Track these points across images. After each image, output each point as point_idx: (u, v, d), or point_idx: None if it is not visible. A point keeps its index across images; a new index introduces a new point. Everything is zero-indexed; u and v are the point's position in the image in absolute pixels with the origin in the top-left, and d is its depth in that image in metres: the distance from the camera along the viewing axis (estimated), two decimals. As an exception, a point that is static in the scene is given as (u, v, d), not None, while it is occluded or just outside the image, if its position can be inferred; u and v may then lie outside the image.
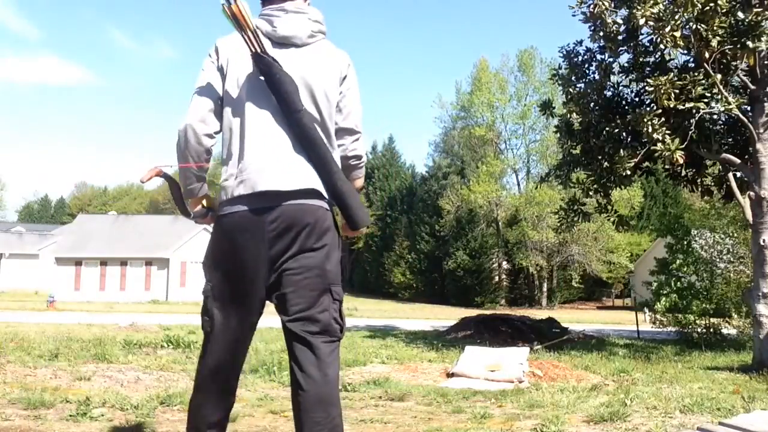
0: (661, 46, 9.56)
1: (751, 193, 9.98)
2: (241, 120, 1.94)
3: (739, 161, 10.40)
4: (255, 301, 1.96)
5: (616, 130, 10.86)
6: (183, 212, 2.21)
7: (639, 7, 9.18)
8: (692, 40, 9.35)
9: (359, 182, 2.21)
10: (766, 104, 9.94)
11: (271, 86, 1.90)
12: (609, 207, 12.33)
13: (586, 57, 11.44)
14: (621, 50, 10.73)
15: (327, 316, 1.94)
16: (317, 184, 1.93)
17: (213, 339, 1.99)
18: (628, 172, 10.59)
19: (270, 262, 1.90)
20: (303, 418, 1.87)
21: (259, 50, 1.89)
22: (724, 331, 14.34)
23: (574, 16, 10.42)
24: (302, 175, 1.91)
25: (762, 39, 9.01)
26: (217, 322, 1.97)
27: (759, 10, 8.96)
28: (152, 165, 2.13)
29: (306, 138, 1.92)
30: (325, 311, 1.94)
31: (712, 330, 14.19)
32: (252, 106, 1.93)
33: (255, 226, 1.88)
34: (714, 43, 9.17)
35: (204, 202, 2.14)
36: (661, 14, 9.16)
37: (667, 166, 10.82)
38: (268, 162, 1.89)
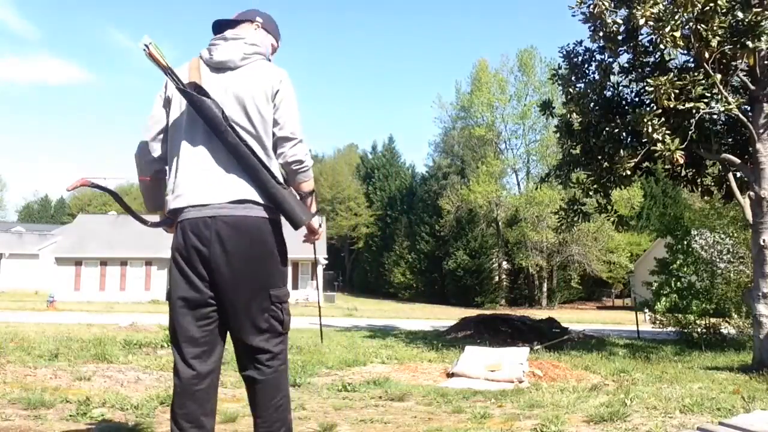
0: (661, 46, 9.56)
1: (751, 193, 9.98)
2: (179, 143, 2.22)
3: (739, 161, 10.40)
4: (201, 303, 2.18)
5: (616, 130, 10.85)
6: (137, 219, 2.47)
7: (639, 7, 9.18)
8: (692, 40, 9.35)
9: (305, 185, 2.30)
10: (766, 104, 9.93)
11: (197, 113, 2.15)
12: (609, 207, 12.33)
13: (585, 57, 11.44)
14: (621, 50, 10.73)
15: (269, 319, 2.20)
16: (250, 194, 2.15)
17: (175, 341, 2.24)
18: (628, 172, 10.59)
19: (209, 270, 2.14)
20: (260, 402, 2.23)
21: (180, 86, 2.17)
22: (724, 331, 14.34)
23: (573, 16, 10.43)
24: (233, 188, 2.15)
25: (762, 39, 9.01)
26: (175, 325, 2.22)
27: (759, 10, 8.95)
28: (80, 175, 2.35)
29: (235, 153, 2.13)
30: (267, 315, 2.19)
31: (712, 330, 14.18)
32: (189, 131, 2.20)
33: (195, 235, 2.13)
34: (714, 43, 9.16)
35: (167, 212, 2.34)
36: (661, 14, 9.16)
37: (667, 166, 10.81)
38: (200, 178, 2.16)
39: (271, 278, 2.20)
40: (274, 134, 2.22)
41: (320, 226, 2.41)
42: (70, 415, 3.46)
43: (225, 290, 2.15)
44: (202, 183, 2.15)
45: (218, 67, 2.24)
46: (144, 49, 2.12)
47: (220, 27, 2.38)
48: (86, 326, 13.00)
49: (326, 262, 36.55)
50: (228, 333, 2.28)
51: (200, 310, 2.19)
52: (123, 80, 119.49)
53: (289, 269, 2.34)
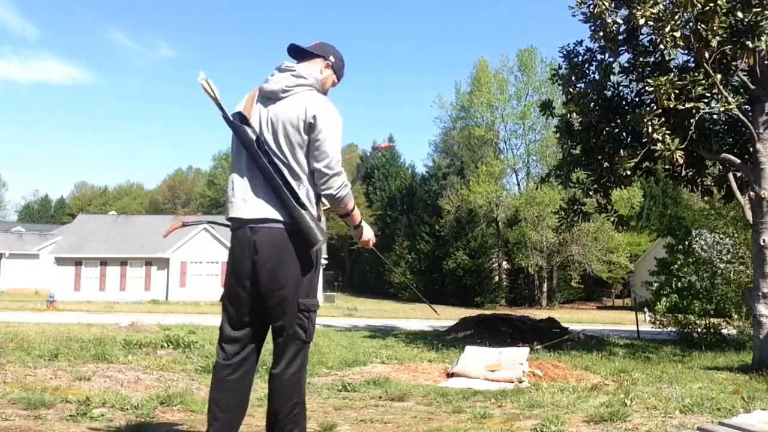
0: (661, 46, 9.56)
1: (751, 193, 9.98)
2: (234, 163, 2.56)
3: (739, 161, 10.40)
4: (245, 302, 2.46)
5: (616, 130, 10.85)
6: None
7: (639, 7, 9.17)
8: (692, 40, 9.35)
9: (339, 210, 2.52)
10: (766, 104, 9.93)
11: (237, 138, 2.47)
12: (609, 207, 12.33)
13: (586, 57, 11.44)
14: (621, 50, 10.73)
15: (294, 326, 2.40)
16: (271, 213, 2.40)
17: (221, 331, 2.52)
18: (628, 172, 10.59)
19: (249, 273, 2.42)
20: (274, 403, 2.43)
21: (225, 115, 2.49)
22: (724, 331, 14.33)
23: (574, 16, 10.43)
24: (259, 206, 2.42)
25: (762, 39, 9.01)
26: (223, 319, 2.53)
27: (758, 10, 8.96)
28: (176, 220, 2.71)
29: (264, 175, 2.41)
30: (293, 321, 2.40)
31: (712, 330, 14.18)
32: (238, 154, 2.52)
33: (238, 242, 2.47)
34: (714, 43, 9.16)
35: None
36: (661, 14, 9.16)
37: (667, 166, 10.81)
38: (238, 196, 2.48)
39: (297, 287, 2.40)
40: (311, 164, 2.42)
41: (361, 235, 2.68)
42: (70, 415, 3.46)
43: (260, 293, 2.41)
44: (241, 199, 2.46)
45: (268, 97, 2.48)
46: (201, 82, 2.48)
47: (295, 52, 2.62)
48: (86, 326, 12.98)
49: (326, 262, 36.54)
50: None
51: (241, 308, 2.47)
52: (123, 80, 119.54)
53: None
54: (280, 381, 2.39)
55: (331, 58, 2.62)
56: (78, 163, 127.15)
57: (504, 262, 46.07)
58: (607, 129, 10.98)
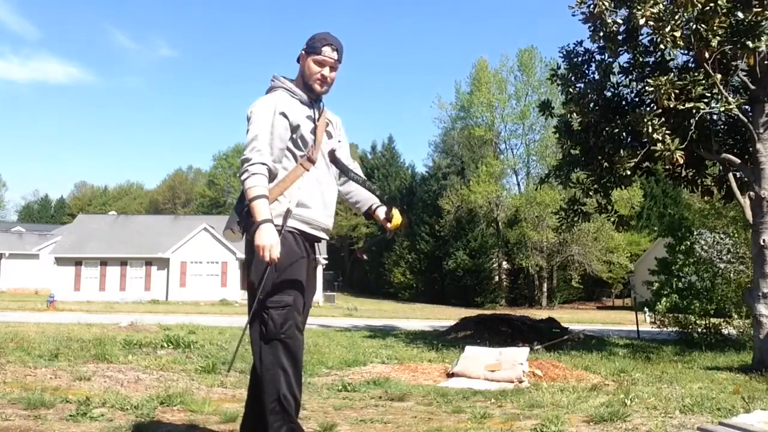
0: (661, 46, 9.55)
1: (751, 193, 9.98)
2: None
3: (739, 161, 10.39)
4: None
5: (616, 130, 10.84)
6: (379, 243, 2.96)
7: (639, 7, 9.17)
8: (692, 40, 9.34)
9: (248, 194, 2.45)
10: (766, 104, 9.93)
11: None
12: (609, 207, 12.31)
13: (585, 57, 11.42)
14: (621, 50, 10.71)
15: (258, 323, 2.46)
16: None
17: None
18: (628, 172, 10.58)
19: None
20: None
21: None
22: (724, 331, 14.32)
23: (573, 16, 10.41)
24: None
25: (762, 39, 9.00)
26: None
27: (759, 10, 8.95)
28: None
29: None
30: (257, 318, 2.47)
31: (712, 330, 14.16)
32: None
33: None
34: (714, 43, 9.16)
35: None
36: (661, 14, 9.15)
37: (667, 166, 10.80)
38: None
39: (258, 284, 2.44)
40: None
41: (258, 243, 2.33)
42: (70, 415, 3.46)
43: None
44: None
45: None
46: None
47: None
48: (86, 326, 12.96)
49: (326, 262, 36.51)
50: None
51: None
52: (123, 80, 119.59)
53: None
54: (258, 377, 2.46)
55: (303, 49, 2.70)
56: (78, 163, 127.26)
57: (504, 262, 46.12)
58: (606, 129, 10.97)
